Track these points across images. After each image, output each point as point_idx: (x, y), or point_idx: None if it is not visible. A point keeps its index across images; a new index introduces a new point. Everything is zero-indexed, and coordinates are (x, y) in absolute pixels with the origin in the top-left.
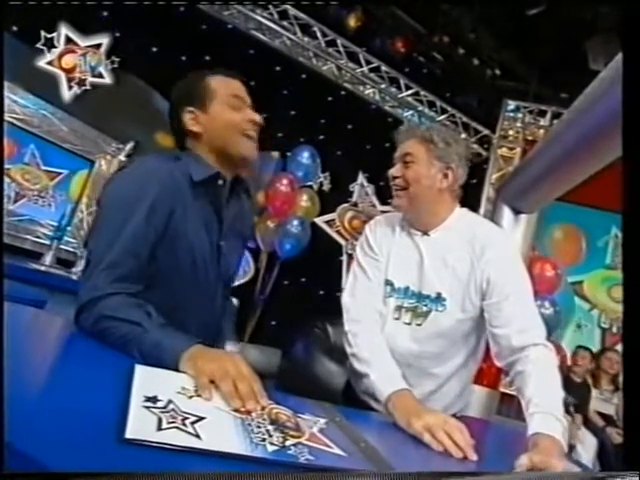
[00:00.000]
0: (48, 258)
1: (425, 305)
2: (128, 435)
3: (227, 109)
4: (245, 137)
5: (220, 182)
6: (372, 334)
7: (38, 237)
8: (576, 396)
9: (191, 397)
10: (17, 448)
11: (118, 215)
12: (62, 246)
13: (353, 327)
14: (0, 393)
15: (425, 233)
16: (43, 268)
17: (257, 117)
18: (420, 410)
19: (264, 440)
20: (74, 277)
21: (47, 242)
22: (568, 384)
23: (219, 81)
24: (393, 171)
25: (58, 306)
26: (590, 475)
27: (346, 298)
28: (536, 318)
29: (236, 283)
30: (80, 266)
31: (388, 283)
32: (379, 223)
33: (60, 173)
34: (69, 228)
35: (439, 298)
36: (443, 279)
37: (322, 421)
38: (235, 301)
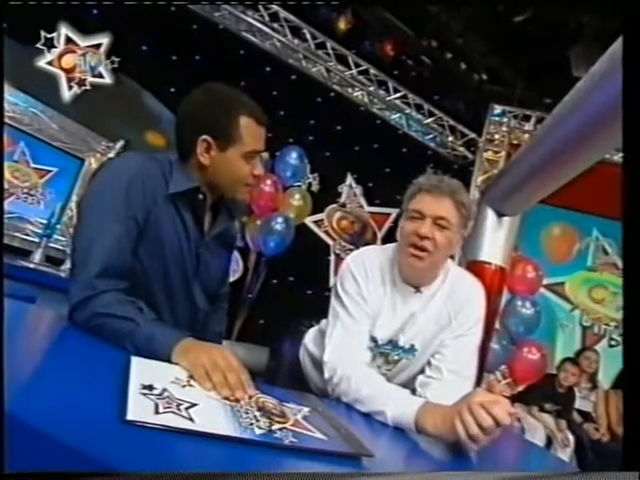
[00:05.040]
0: (37, 256)
1: (397, 354)
2: (129, 417)
3: (241, 160)
4: (245, 186)
5: (200, 196)
6: (362, 368)
7: (27, 235)
8: (559, 402)
9: (184, 386)
10: (18, 413)
11: (96, 214)
12: (51, 244)
13: (346, 370)
14: (1, 390)
15: (418, 290)
16: (32, 265)
17: (261, 172)
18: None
19: (252, 424)
20: (63, 275)
21: (36, 240)
22: (552, 392)
23: (249, 126)
24: (425, 230)
25: (47, 303)
26: (590, 475)
27: (330, 344)
28: (470, 366)
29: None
30: (69, 264)
31: (372, 339)
32: (368, 269)
33: (50, 171)
34: (58, 226)
35: (412, 349)
36: (420, 333)
37: (305, 409)
38: None
